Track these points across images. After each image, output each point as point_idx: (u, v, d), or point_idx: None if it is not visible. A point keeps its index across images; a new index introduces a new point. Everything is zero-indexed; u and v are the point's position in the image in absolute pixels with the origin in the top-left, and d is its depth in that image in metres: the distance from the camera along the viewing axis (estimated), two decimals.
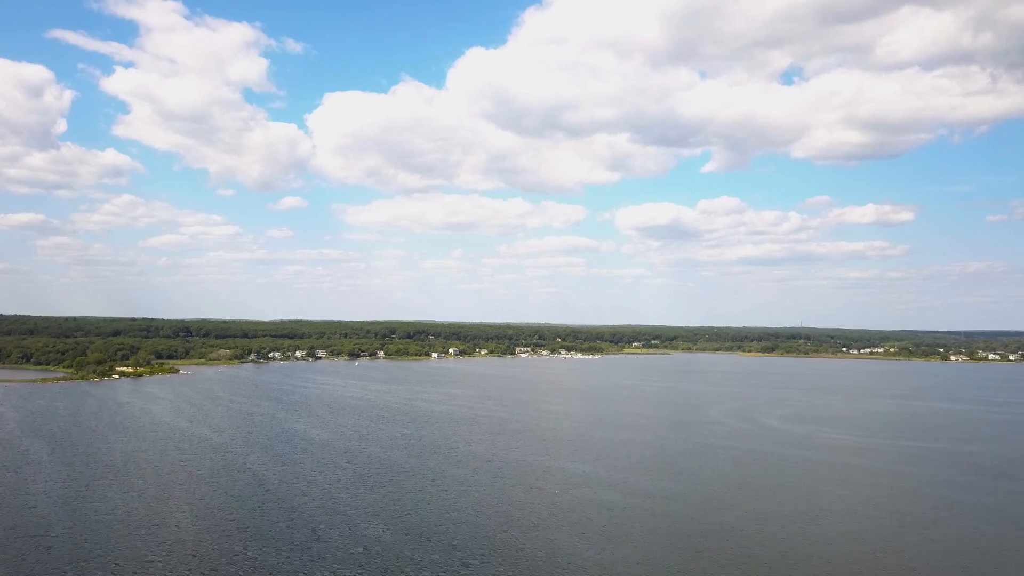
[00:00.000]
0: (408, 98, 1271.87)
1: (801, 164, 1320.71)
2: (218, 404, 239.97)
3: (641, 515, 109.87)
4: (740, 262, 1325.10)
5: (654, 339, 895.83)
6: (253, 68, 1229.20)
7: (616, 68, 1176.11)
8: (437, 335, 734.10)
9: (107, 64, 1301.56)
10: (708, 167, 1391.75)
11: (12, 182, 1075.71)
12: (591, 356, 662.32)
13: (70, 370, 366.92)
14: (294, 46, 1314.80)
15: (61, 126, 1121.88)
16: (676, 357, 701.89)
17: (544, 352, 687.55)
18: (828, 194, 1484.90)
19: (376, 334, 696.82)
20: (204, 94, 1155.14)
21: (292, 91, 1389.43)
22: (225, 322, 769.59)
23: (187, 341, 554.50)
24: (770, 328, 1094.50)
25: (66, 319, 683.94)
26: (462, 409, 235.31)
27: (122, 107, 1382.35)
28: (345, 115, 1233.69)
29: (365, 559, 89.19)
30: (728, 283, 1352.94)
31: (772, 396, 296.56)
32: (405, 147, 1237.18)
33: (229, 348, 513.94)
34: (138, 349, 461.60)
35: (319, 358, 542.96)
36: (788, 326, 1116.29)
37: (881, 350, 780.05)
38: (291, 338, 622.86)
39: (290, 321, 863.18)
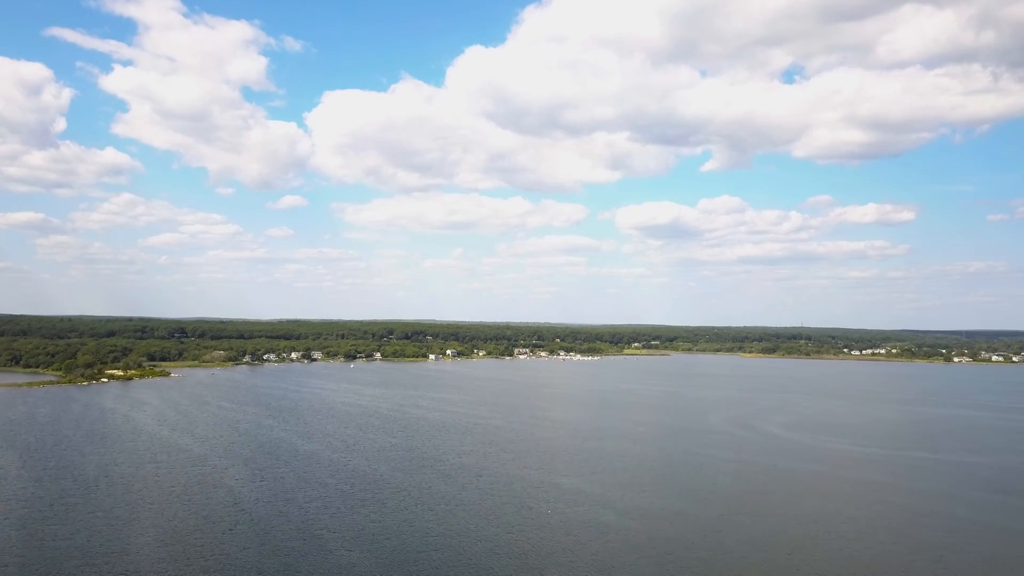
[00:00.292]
0: (408, 97, 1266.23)
1: (802, 163, 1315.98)
2: (204, 410, 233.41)
3: (636, 539, 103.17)
4: (740, 261, 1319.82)
5: (654, 340, 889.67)
6: (252, 66, 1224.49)
7: (616, 67, 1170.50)
8: (435, 335, 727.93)
9: (106, 62, 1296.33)
10: (708, 166, 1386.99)
11: (12, 181, 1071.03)
12: (590, 357, 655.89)
13: (59, 373, 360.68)
14: (293, 44, 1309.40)
15: (60, 125, 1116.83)
16: (676, 358, 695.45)
17: (543, 353, 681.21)
18: (829, 193, 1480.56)
19: (374, 335, 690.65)
20: (203, 92, 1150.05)
21: (291, 89, 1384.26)
22: (223, 322, 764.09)
23: (181, 342, 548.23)
24: (771, 328, 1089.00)
25: (61, 319, 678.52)
26: (455, 416, 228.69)
27: (121, 105, 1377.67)
28: (344, 114, 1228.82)
29: None
30: (728, 283, 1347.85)
31: (774, 401, 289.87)
32: (404, 146, 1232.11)
33: (224, 349, 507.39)
34: (131, 351, 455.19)
35: (315, 360, 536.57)
36: (789, 326, 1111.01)
37: (883, 351, 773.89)
38: (287, 339, 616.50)
39: (287, 321, 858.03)
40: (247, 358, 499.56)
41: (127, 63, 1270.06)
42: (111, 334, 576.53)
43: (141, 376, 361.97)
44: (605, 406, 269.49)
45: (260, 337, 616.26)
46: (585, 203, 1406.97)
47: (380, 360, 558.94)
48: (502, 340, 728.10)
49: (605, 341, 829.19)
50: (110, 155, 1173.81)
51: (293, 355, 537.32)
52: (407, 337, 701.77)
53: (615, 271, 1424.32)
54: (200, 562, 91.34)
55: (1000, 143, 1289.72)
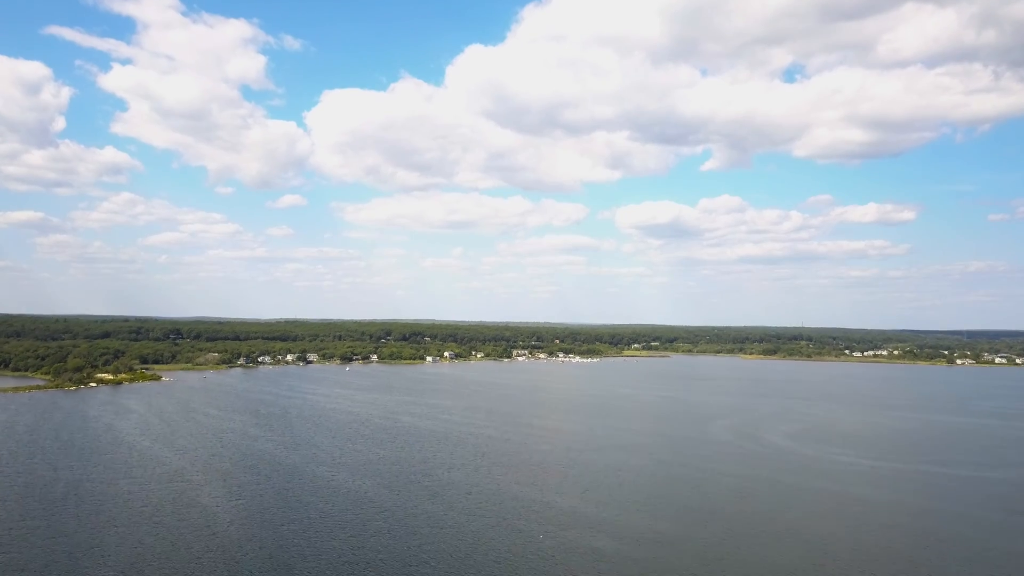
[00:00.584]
0: (407, 96, 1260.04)
1: (803, 163, 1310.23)
2: (190, 419, 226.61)
3: (632, 570, 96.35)
4: (741, 261, 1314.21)
5: (654, 340, 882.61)
6: (251, 65, 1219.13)
7: (616, 65, 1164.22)
8: (433, 337, 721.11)
9: (105, 61, 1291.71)
10: (708, 165, 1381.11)
11: (11, 180, 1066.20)
12: (589, 359, 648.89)
13: (48, 377, 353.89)
14: (292, 43, 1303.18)
15: (59, 123, 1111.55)
16: (676, 360, 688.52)
17: (542, 355, 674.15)
18: (830, 193, 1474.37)
19: (371, 336, 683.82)
20: (202, 91, 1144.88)
21: (290, 88, 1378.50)
22: (220, 323, 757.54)
23: (176, 344, 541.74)
24: (771, 328, 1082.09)
25: (56, 320, 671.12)
26: (448, 425, 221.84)
27: (120, 104, 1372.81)
28: (344, 113, 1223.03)
29: None
30: (729, 282, 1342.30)
31: (776, 407, 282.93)
32: (404, 145, 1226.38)
33: (218, 351, 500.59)
34: (123, 353, 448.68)
35: (310, 362, 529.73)
36: (789, 325, 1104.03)
37: (885, 352, 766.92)
38: (283, 340, 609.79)
39: (284, 322, 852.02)
40: (241, 360, 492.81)
41: (126, 62, 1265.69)
42: (106, 335, 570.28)
43: (131, 380, 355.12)
44: (602, 413, 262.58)
45: (256, 338, 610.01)
46: (585, 202, 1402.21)
47: (377, 362, 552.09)
48: (501, 341, 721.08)
49: (604, 342, 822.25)
50: (109, 154, 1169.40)
51: (289, 357, 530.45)
52: (405, 339, 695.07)
53: (615, 270, 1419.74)
54: None
55: (1001, 142, 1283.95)
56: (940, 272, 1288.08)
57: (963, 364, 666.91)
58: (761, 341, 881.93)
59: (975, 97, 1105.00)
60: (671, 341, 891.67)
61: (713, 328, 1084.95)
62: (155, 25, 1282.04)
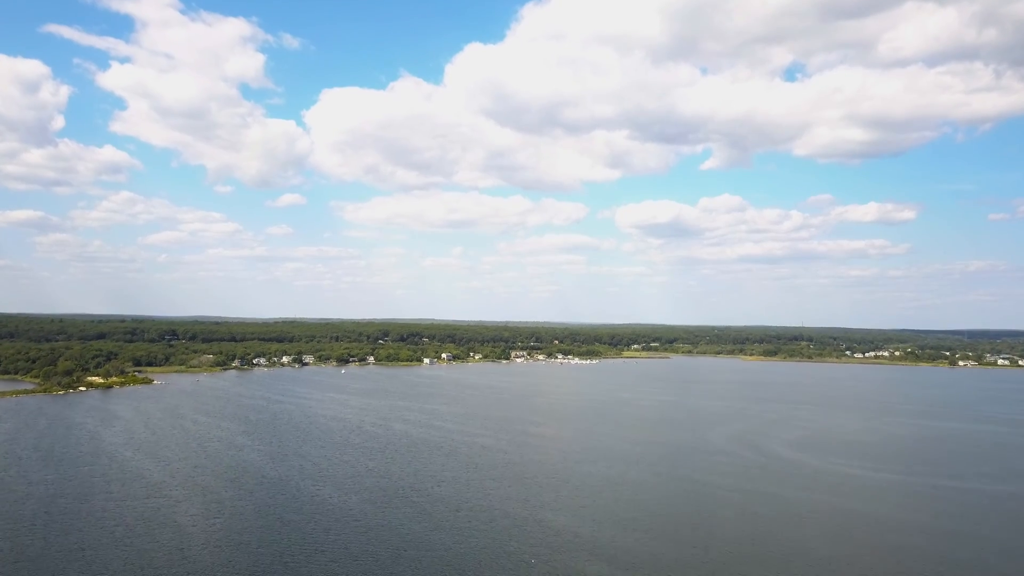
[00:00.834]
0: (406, 94, 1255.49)
1: (803, 162, 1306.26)
2: (177, 426, 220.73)
3: None
4: (741, 260, 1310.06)
5: (653, 341, 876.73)
6: (250, 63, 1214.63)
7: (616, 64, 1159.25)
8: (431, 337, 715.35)
9: (103, 59, 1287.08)
10: (708, 164, 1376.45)
11: (10, 178, 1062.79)
12: (588, 361, 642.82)
13: (38, 380, 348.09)
14: (291, 41, 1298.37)
15: (58, 122, 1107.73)
16: (676, 361, 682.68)
17: (540, 356, 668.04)
18: (830, 192, 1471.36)
19: (368, 337, 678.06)
20: (201, 90, 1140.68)
21: (289, 87, 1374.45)
22: (217, 323, 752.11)
23: (170, 345, 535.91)
24: (771, 328, 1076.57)
25: (51, 320, 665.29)
26: (441, 433, 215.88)
27: (119, 103, 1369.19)
28: (343, 111, 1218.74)
29: None
30: (729, 281, 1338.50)
31: (778, 413, 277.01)
32: (403, 144, 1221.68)
33: (213, 353, 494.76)
34: (116, 355, 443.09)
35: (306, 364, 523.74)
36: (789, 325, 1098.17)
37: (886, 353, 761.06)
38: (280, 342, 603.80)
39: (282, 323, 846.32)
40: (236, 363, 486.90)
41: (124, 60, 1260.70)
42: (101, 336, 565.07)
43: (122, 384, 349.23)
44: (600, 419, 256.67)
45: (252, 340, 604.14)
46: (585, 201, 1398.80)
47: (373, 364, 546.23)
48: (499, 342, 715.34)
49: (604, 343, 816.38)
50: (109, 153, 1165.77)
51: (284, 359, 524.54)
52: (403, 339, 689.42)
53: (615, 270, 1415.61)
54: None
55: (1002, 142, 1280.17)
56: (940, 272, 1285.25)
57: (965, 366, 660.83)
58: (761, 342, 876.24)
59: (976, 96, 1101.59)
60: (671, 342, 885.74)
61: (713, 328, 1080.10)
62: (154, 23, 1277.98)
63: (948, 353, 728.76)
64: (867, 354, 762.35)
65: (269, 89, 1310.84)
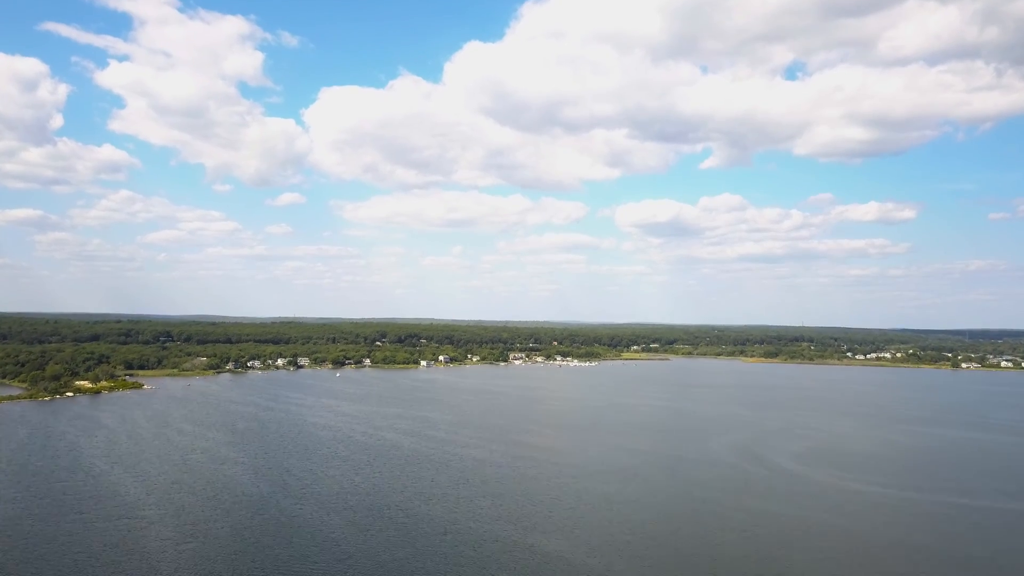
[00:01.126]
0: (406, 93, 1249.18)
1: (803, 161, 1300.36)
2: (160, 436, 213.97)
3: None
4: (741, 259, 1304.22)
5: (653, 342, 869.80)
6: (248, 62, 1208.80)
7: (616, 63, 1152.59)
8: (429, 339, 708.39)
9: (101, 57, 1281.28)
10: (708, 163, 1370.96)
11: (9, 177, 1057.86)
12: (587, 363, 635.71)
13: (25, 385, 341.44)
14: (290, 39, 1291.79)
15: (57, 121, 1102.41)
16: (676, 363, 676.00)
17: (539, 358, 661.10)
18: (830, 191, 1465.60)
19: (365, 338, 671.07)
20: (199, 88, 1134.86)
21: (288, 86, 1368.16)
22: (213, 324, 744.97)
23: (164, 348, 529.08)
24: (772, 328, 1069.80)
25: (45, 321, 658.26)
26: (432, 444, 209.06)
27: (117, 101, 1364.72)
28: (342, 110, 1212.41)
29: None
30: (729, 280, 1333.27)
31: (781, 421, 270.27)
32: (402, 143, 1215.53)
33: (207, 356, 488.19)
34: (108, 359, 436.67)
35: (301, 367, 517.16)
36: (789, 324, 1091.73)
37: (888, 355, 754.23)
38: (275, 343, 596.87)
39: (279, 323, 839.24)
40: (230, 365, 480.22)
41: (123, 58, 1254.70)
42: (95, 338, 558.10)
43: (111, 389, 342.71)
44: (597, 428, 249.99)
45: (247, 341, 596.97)
46: (585, 200, 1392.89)
47: (369, 367, 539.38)
48: (498, 343, 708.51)
49: (603, 344, 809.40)
50: (107, 152, 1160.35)
51: (279, 362, 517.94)
52: (400, 340, 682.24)
53: (615, 269, 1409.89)
54: None
55: (1003, 141, 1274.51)
56: (940, 271, 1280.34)
57: (968, 368, 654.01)
58: (762, 343, 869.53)
59: (977, 95, 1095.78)
60: (671, 343, 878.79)
61: (713, 328, 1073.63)
62: (152, 21, 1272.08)
63: (950, 355, 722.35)
64: (868, 355, 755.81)
65: (268, 88, 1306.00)
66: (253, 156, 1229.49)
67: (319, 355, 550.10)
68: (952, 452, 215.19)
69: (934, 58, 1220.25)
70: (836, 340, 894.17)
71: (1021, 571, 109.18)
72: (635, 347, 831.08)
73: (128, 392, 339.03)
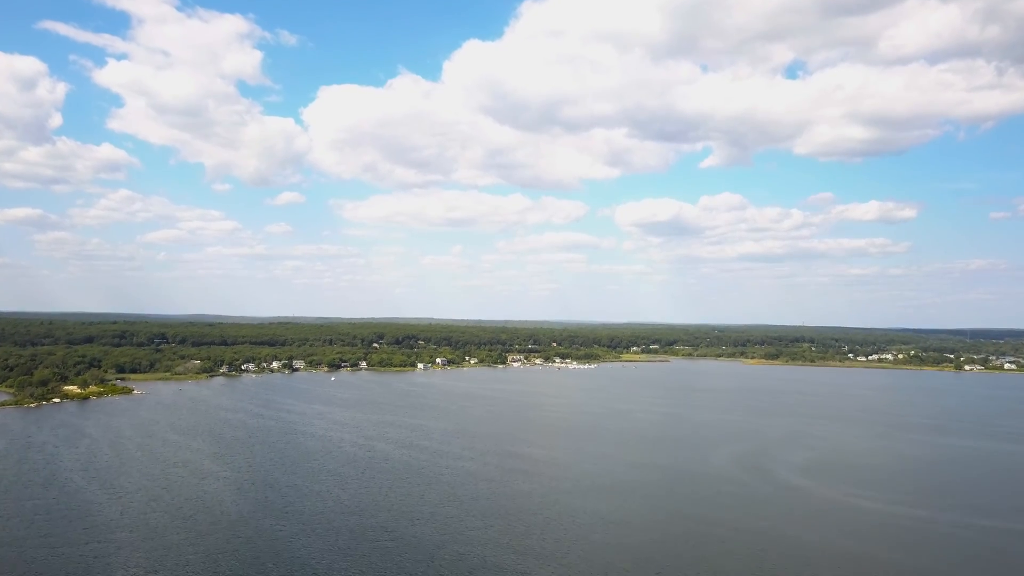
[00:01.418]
0: (405, 92, 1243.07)
1: (804, 160, 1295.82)
2: (144, 447, 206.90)
3: None
4: (741, 259, 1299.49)
5: (653, 343, 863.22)
6: (247, 60, 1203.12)
7: (616, 62, 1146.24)
8: (427, 340, 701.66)
9: (99, 56, 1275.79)
10: (708, 162, 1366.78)
11: (8, 176, 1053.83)
12: (587, 365, 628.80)
13: (12, 390, 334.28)
14: (288, 38, 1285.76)
15: (56, 120, 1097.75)
16: (676, 365, 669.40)
17: (538, 360, 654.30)
18: (831, 191, 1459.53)
19: (363, 340, 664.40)
20: (198, 87, 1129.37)
21: (287, 85, 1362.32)
22: (210, 325, 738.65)
23: (158, 350, 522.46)
24: (772, 328, 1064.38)
25: (39, 323, 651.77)
26: (424, 455, 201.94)
27: (116, 100, 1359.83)
28: (341, 109, 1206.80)
29: None
30: (729, 280, 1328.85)
31: (785, 428, 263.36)
32: (402, 142, 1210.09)
33: (200, 359, 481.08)
34: (100, 362, 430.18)
35: (296, 370, 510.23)
36: (790, 324, 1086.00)
37: (890, 356, 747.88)
38: (271, 345, 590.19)
39: (275, 325, 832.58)
40: (224, 368, 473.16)
41: (121, 57, 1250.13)
42: (89, 340, 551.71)
43: (100, 395, 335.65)
44: (594, 437, 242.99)
45: (243, 343, 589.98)
46: (585, 200, 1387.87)
47: (365, 370, 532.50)
48: (496, 345, 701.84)
49: (603, 345, 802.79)
50: (106, 151, 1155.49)
51: (274, 364, 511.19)
52: (398, 342, 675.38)
53: (615, 268, 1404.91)
54: None
55: (1004, 140, 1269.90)
56: (941, 270, 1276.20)
57: (971, 370, 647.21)
58: (763, 344, 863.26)
59: (978, 94, 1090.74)
60: (671, 344, 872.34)
61: (713, 329, 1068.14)
62: (150, 20, 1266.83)
63: (952, 356, 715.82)
64: (870, 357, 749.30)
65: (267, 86, 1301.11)
66: (252, 155, 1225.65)
67: (315, 357, 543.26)
68: (964, 464, 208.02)
69: (935, 57, 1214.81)
70: (837, 341, 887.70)
71: None
72: (635, 348, 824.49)
73: (117, 398, 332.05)
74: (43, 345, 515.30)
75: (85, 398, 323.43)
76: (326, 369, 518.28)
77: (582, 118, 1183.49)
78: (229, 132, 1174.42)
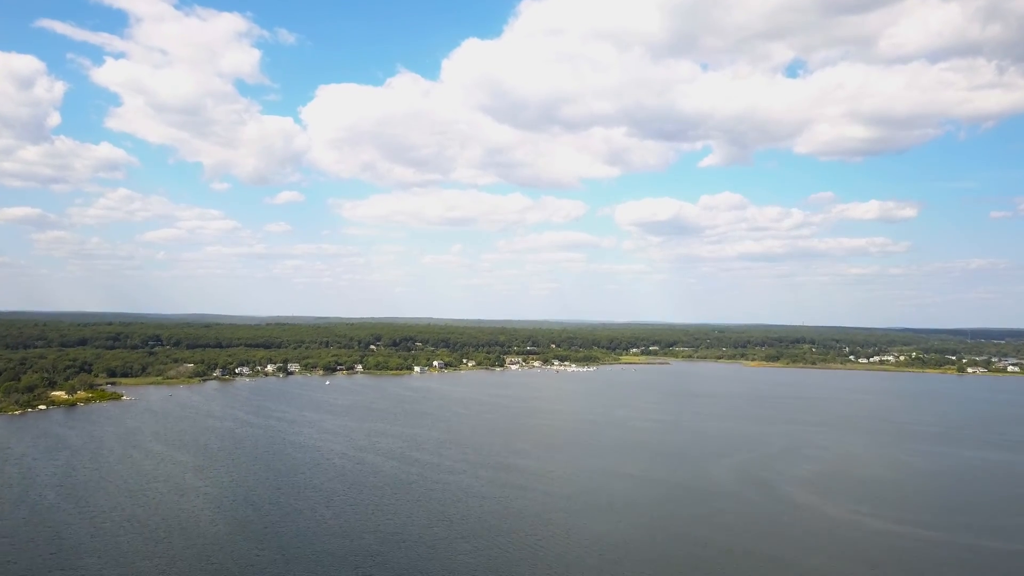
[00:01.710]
0: (404, 91, 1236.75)
1: (804, 159, 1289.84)
2: (125, 459, 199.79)
3: None
4: (741, 258, 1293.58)
5: (653, 344, 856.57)
6: (245, 59, 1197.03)
7: (615, 60, 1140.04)
8: (425, 342, 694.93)
9: (97, 55, 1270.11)
10: (708, 161, 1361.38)
11: (7, 176, 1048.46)
12: (586, 368, 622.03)
13: None
14: (287, 37, 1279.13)
15: (54, 119, 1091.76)
16: (676, 367, 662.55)
17: (536, 363, 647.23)
18: (831, 190, 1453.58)
19: (359, 342, 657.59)
20: (196, 85, 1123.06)
21: (286, 83, 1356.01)
22: (206, 327, 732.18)
23: (151, 353, 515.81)
24: (772, 328, 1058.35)
25: (33, 324, 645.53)
26: (416, 469, 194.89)
27: (114, 99, 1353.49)
28: (340, 108, 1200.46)
29: None
30: (729, 279, 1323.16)
31: (785, 437, 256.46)
32: (401, 141, 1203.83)
33: (193, 363, 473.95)
34: (91, 366, 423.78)
35: (291, 373, 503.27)
36: (790, 324, 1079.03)
37: (891, 358, 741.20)
38: (267, 348, 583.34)
39: (272, 326, 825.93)
40: (217, 372, 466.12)
41: (119, 55, 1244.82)
42: (83, 341, 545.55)
43: (88, 401, 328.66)
44: (591, 448, 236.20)
45: (238, 346, 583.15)
46: (584, 199, 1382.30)
47: (361, 373, 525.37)
48: (495, 347, 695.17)
49: (602, 347, 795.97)
50: (105, 150, 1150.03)
51: (269, 368, 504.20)
52: (395, 344, 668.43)
53: (615, 267, 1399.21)
54: None
55: (1004, 139, 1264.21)
56: (941, 270, 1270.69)
57: (974, 372, 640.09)
58: (763, 345, 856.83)
59: (979, 93, 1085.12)
60: (671, 345, 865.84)
61: (713, 328, 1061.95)
62: (148, 18, 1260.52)
63: (954, 358, 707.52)
64: (871, 359, 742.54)
65: (265, 85, 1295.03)
66: (251, 154, 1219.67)
67: (310, 360, 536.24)
68: (974, 478, 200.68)
69: (935, 56, 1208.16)
70: (838, 342, 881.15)
71: None
72: (634, 350, 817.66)
73: (105, 404, 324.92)
74: (35, 347, 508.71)
75: (72, 405, 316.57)
76: (321, 373, 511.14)
77: (581, 117, 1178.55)
78: (228, 131, 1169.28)
